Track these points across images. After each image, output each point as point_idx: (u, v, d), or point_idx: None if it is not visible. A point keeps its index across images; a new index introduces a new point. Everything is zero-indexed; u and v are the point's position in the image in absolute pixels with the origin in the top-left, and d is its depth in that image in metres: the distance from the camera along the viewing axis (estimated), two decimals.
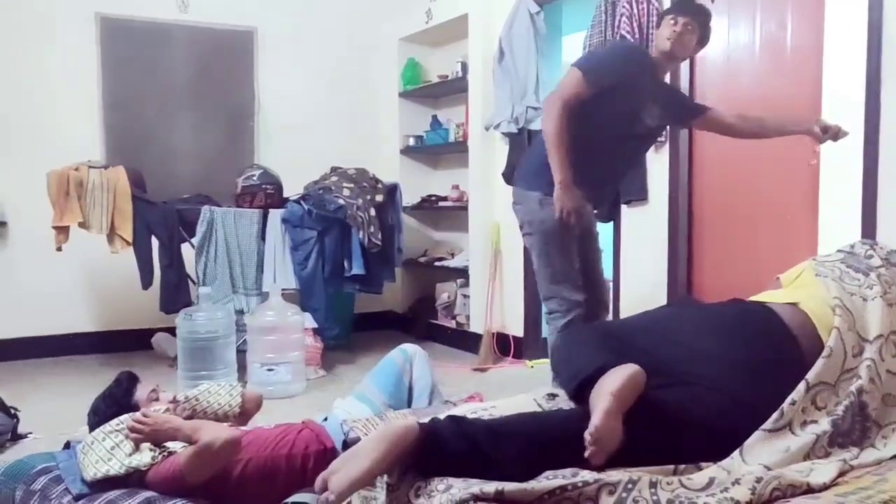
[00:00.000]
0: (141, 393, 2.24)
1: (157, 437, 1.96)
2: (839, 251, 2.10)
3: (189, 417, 2.10)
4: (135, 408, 2.16)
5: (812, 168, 3.91)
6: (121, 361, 4.41)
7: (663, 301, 3.60)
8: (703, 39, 2.97)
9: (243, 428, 2.19)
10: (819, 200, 3.95)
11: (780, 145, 3.83)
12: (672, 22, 2.87)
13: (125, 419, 2.03)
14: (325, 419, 2.34)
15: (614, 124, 2.84)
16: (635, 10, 3.53)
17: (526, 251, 4.46)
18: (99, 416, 2.16)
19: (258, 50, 5.17)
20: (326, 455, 2.07)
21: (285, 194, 4.42)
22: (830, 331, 1.77)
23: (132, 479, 1.93)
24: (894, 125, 2.77)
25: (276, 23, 5.19)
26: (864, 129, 2.84)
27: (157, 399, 2.22)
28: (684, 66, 3.52)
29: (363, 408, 2.50)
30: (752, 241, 3.79)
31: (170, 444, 1.97)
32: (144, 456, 1.95)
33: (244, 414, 2.31)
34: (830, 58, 4.00)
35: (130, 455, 1.95)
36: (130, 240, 3.84)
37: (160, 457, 1.94)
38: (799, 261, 3.77)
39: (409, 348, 2.72)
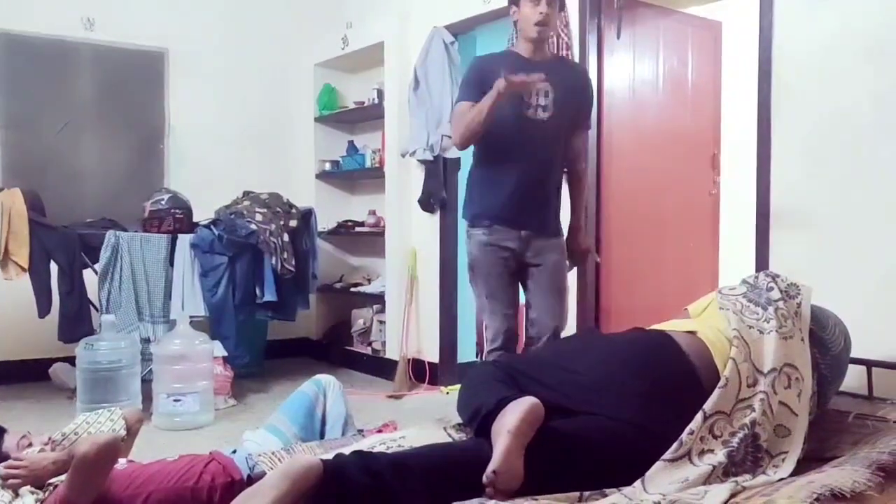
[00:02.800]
0: (10, 441, 2.11)
1: (37, 477, 1.85)
2: (744, 282, 2.19)
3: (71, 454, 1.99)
4: (5, 458, 2.02)
5: (713, 197, 4.12)
6: (15, 394, 4.17)
7: (573, 328, 3.68)
8: (562, 3, 2.88)
9: (135, 460, 2.10)
10: (719, 228, 4.18)
11: (683, 173, 4.02)
12: (534, 2, 2.69)
13: None
14: (234, 451, 2.28)
15: (504, 129, 2.73)
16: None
17: (442, 277, 4.51)
18: None
19: (169, 71, 5.04)
20: (234, 487, 1.98)
21: (196, 219, 4.31)
22: (727, 361, 1.85)
23: None
24: (784, 157, 2.92)
25: (189, 44, 5.08)
26: (757, 160, 3.00)
27: (29, 445, 2.09)
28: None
29: (274, 440, 2.44)
30: (658, 268, 3.94)
31: (55, 481, 1.86)
32: (27, 500, 1.83)
33: (130, 435, 2.22)
34: (727, 92, 4.25)
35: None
36: (26, 266, 3.65)
37: (46, 495, 1.83)
38: (701, 287, 3.94)
39: (323, 379, 2.68)
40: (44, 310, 3.72)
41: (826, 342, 2.07)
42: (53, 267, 3.83)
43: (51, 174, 4.62)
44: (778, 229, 2.95)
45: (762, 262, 2.99)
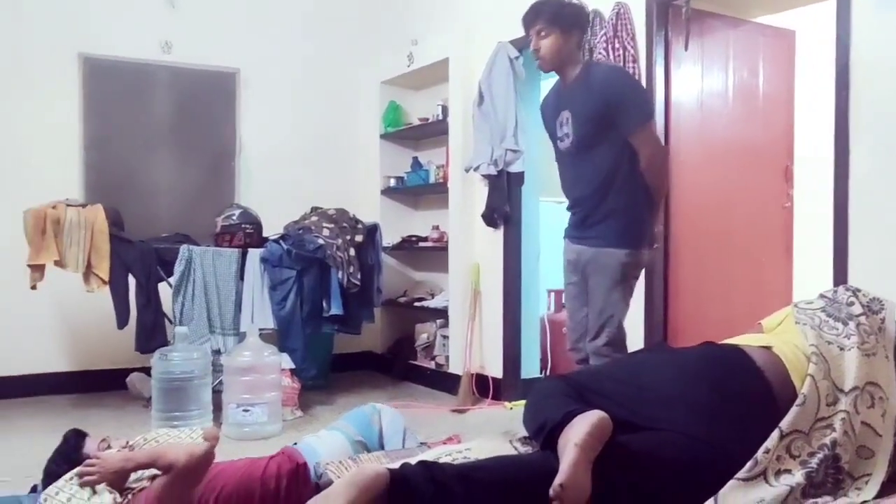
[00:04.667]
0: (91, 446, 2.17)
1: (112, 476, 1.92)
2: (822, 296, 2.11)
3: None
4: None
5: (786, 210, 4.00)
6: (93, 402, 4.34)
7: (640, 343, 3.61)
8: (567, 26, 2.89)
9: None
10: (793, 242, 4.05)
11: (754, 186, 3.91)
12: (529, 41, 2.96)
13: (76, 470, 1.98)
14: (295, 444, 2.42)
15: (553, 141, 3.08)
16: (611, 56, 3.61)
17: (505, 292, 4.49)
18: (52, 478, 2.06)
19: (241, 91, 5.20)
20: (299, 472, 2.14)
21: (265, 234, 4.42)
22: (804, 378, 1.78)
23: None
24: (863, 167, 2.82)
25: (259, 64, 5.24)
26: (835, 172, 2.90)
27: (108, 447, 2.17)
28: (659, 112, 3.58)
29: (334, 434, 2.53)
30: (728, 283, 3.83)
31: (135, 485, 1.93)
32: (104, 498, 1.90)
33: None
34: (802, 103, 4.13)
35: (90, 500, 1.90)
36: (107, 279, 3.81)
37: (122, 498, 1.90)
38: (774, 302, 3.82)
39: (377, 404, 2.76)
40: (122, 321, 3.87)
41: None
42: (131, 281, 3.99)
43: (129, 191, 4.82)
44: (857, 244, 2.84)
45: (840, 277, 2.88)
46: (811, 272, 3.84)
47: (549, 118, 3.09)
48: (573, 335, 3.06)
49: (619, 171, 2.83)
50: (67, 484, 1.95)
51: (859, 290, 2.06)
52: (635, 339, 3.63)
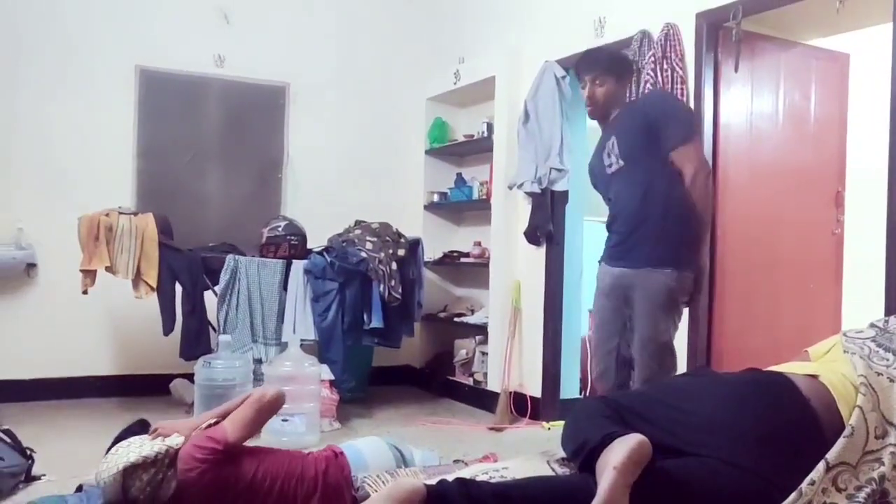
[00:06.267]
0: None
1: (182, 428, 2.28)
2: (872, 326, 2.06)
3: None
4: None
5: (836, 237, 3.91)
6: (138, 406, 4.42)
7: (683, 367, 3.55)
8: (621, 74, 3.05)
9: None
10: (843, 269, 3.95)
11: (803, 211, 3.84)
12: (581, 87, 3.05)
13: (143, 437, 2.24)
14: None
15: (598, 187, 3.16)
16: (659, 78, 3.59)
17: (546, 311, 4.47)
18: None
19: (290, 104, 5.30)
20: (337, 458, 2.40)
21: (310, 245, 4.49)
22: (852, 408, 1.74)
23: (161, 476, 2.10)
24: None
25: (309, 78, 5.34)
26: (888, 198, 2.82)
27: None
28: (707, 134, 3.54)
29: (370, 437, 2.74)
30: (775, 309, 3.75)
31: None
32: (175, 439, 2.19)
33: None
34: (854, 128, 4.04)
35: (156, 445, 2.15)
36: (155, 286, 3.90)
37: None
38: (822, 330, 3.73)
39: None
40: (168, 328, 3.95)
41: None
42: (178, 289, 4.08)
43: (178, 200, 4.93)
44: None
45: (892, 307, 2.81)
46: (861, 300, 3.74)
47: (596, 156, 3.11)
48: (601, 365, 3.00)
49: (664, 191, 2.80)
50: (133, 443, 2.19)
51: None
52: (679, 363, 3.58)
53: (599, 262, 3.07)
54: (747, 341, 3.64)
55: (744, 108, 3.66)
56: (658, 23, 3.69)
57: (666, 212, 2.81)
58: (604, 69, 2.98)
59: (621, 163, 2.90)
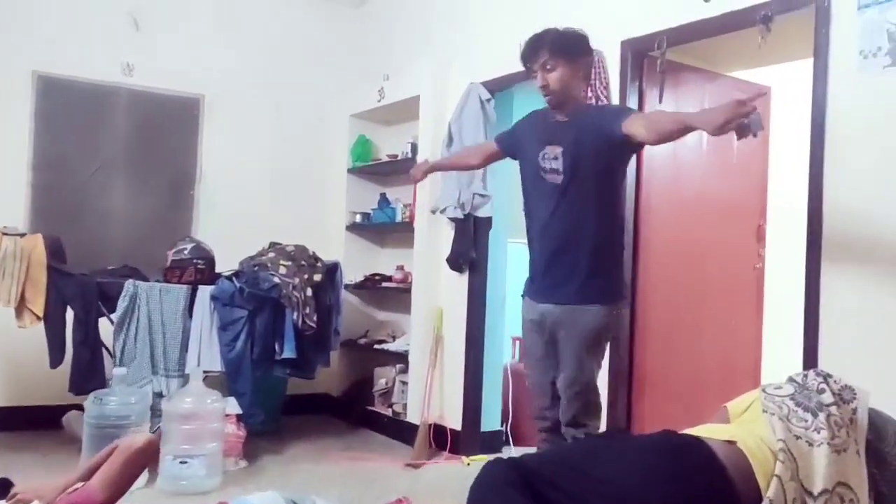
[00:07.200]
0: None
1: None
2: (791, 381, 1.97)
3: None
4: None
5: (757, 271, 3.89)
6: (27, 441, 4.07)
7: (604, 393, 3.45)
8: (573, 55, 2.68)
9: None
10: (763, 303, 3.93)
11: (726, 244, 3.80)
12: (532, 77, 2.74)
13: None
14: None
15: (526, 195, 2.86)
16: (589, 94, 3.49)
17: (468, 340, 4.32)
18: None
19: (204, 117, 5.02)
20: None
21: (222, 267, 4.22)
22: (770, 477, 1.64)
23: None
24: (838, 228, 2.69)
25: (225, 90, 5.07)
26: (808, 231, 2.77)
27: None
28: (630, 165, 3.46)
29: (268, 493, 2.49)
30: (697, 340, 3.71)
31: None
32: None
33: None
34: (775, 162, 4.04)
35: None
36: (41, 314, 3.57)
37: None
38: (743, 363, 3.70)
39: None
40: (56, 360, 3.63)
41: (885, 455, 1.84)
42: (70, 315, 3.75)
43: (79, 217, 4.60)
44: (829, 308, 2.70)
45: (811, 346, 2.75)
46: (781, 336, 3.73)
47: (527, 142, 2.83)
48: (540, 401, 2.82)
49: (600, 219, 2.64)
50: None
51: (830, 377, 1.93)
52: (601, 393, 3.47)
53: (523, 296, 2.91)
54: (670, 371, 3.58)
55: None
56: None
57: (598, 245, 2.64)
58: (552, 51, 2.65)
59: (561, 177, 2.65)
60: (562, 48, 2.67)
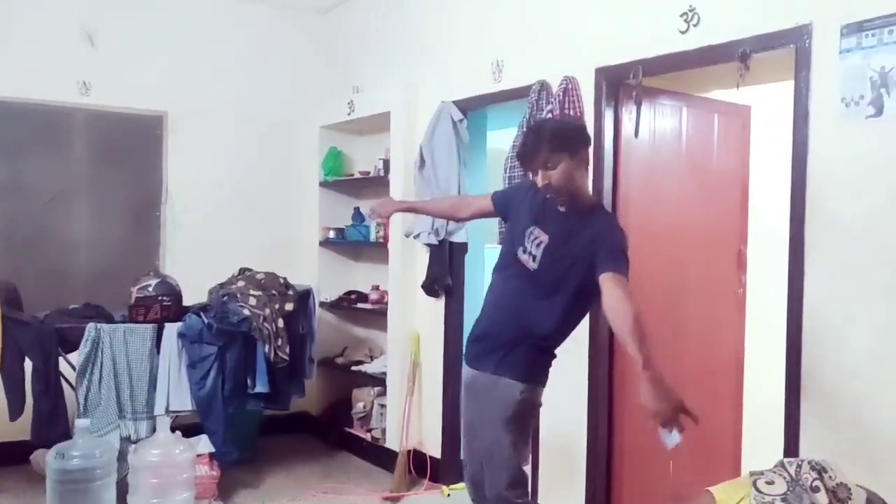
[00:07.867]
0: None
1: None
2: (783, 469, 1.87)
3: None
4: None
5: (738, 297, 3.80)
6: None
7: (582, 446, 3.38)
8: (574, 147, 2.46)
9: None
10: (745, 330, 3.85)
11: (706, 271, 3.70)
12: (533, 177, 2.52)
13: None
14: None
15: (507, 238, 2.70)
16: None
17: (446, 365, 4.23)
18: None
19: (168, 135, 4.84)
20: None
21: (190, 289, 4.09)
22: None
23: None
24: (818, 255, 2.58)
25: (189, 106, 4.87)
26: (789, 259, 2.67)
27: None
28: (607, 190, 3.34)
29: None
30: (676, 369, 3.60)
31: None
32: None
33: None
34: (755, 185, 3.92)
35: None
36: None
37: None
38: (725, 394, 3.60)
39: None
40: (16, 413, 3.49)
41: None
42: (28, 364, 3.60)
43: (37, 247, 4.46)
44: (812, 332, 2.61)
45: (793, 377, 2.68)
46: (763, 363, 3.66)
47: (520, 211, 2.64)
48: (471, 468, 2.70)
49: (553, 322, 2.51)
50: None
51: (825, 471, 1.84)
52: (579, 430, 3.40)
53: (463, 358, 2.80)
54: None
55: (644, 163, 3.47)
56: (557, 74, 3.45)
57: (543, 338, 2.52)
58: (552, 148, 2.41)
59: (535, 266, 2.50)
60: (563, 144, 2.44)
